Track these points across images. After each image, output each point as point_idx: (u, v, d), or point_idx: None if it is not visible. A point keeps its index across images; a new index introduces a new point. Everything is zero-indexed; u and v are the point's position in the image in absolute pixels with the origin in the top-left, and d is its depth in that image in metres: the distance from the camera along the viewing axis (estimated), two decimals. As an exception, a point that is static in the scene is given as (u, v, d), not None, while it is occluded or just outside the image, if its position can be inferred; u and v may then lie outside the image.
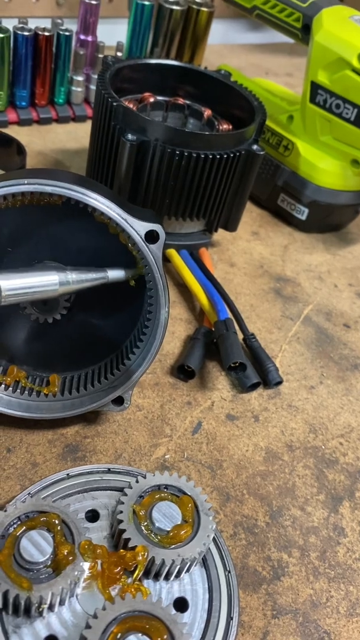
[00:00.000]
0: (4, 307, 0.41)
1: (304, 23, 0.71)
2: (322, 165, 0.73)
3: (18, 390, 0.48)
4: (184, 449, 0.50)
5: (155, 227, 0.42)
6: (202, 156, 0.58)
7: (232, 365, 0.52)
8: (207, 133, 0.58)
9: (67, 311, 0.47)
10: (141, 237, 0.42)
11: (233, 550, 0.44)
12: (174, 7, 0.88)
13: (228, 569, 0.40)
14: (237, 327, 0.59)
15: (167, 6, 0.87)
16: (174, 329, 0.60)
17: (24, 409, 0.47)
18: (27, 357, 0.50)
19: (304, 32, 0.72)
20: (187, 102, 0.71)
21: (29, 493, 0.41)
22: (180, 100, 0.70)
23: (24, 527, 0.36)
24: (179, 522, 0.38)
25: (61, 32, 0.78)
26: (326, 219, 0.77)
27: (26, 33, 0.75)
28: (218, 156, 0.59)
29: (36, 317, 0.47)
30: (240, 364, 0.52)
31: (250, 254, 0.73)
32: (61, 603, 0.35)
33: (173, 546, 0.37)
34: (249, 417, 0.54)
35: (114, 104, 0.58)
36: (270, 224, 0.78)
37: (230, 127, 0.68)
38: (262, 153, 0.62)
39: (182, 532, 0.38)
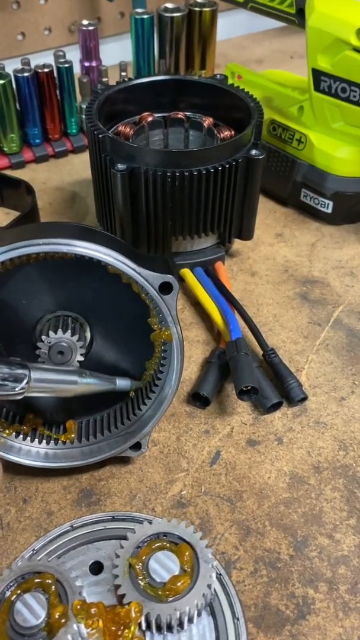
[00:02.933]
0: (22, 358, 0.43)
1: (298, 7, 0.66)
2: (339, 154, 0.68)
3: (36, 439, 0.48)
4: (202, 483, 0.48)
5: (168, 278, 0.41)
6: (195, 173, 0.56)
7: (244, 389, 0.50)
8: (195, 149, 0.56)
9: (80, 361, 0.47)
10: (155, 289, 0.41)
11: (254, 589, 0.42)
12: (174, 14, 0.86)
13: (237, 616, 0.38)
14: (256, 344, 0.57)
15: (167, 15, 0.86)
16: (191, 353, 0.58)
17: (42, 458, 0.48)
18: (44, 405, 0.50)
19: (299, 17, 0.67)
20: (188, 113, 0.69)
21: (34, 549, 0.41)
22: (180, 114, 0.68)
23: (19, 590, 0.36)
24: (177, 573, 0.37)
25: (60, 66, 0.78)
26: (354, 208, 0.72)
27: (26, 74, 0.76)
28: (212, 170, 0.57)
29: None
30: (252, 387, 0.50)
31: (273, 259, 0.69)
32: (60, 665, 0.35)
33: (171, 599, 0.36)
34: (271, 440, 0.51)
35: (100, 135, 0.58)
36: (296, 222, 0.75)
37: (232, 132, 0.65)
38: (261, 157, 0.59)
39: (179, 583, 0.36)
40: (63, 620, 0.35)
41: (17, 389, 0.38)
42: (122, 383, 0.46)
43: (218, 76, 0.68)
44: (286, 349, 0.59)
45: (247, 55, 1.14)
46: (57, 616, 0.35)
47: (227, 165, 0.57)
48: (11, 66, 0.80)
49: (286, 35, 1.21)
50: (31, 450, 0.48)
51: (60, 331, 0.44)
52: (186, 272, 0.64)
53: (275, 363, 0.55)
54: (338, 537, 0.45)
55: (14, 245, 0.39)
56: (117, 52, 1.07)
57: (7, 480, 0.48)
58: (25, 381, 0.39)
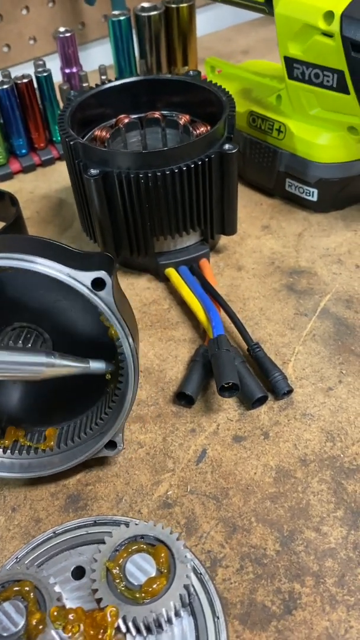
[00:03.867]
0: None
1: (266, -4, 0.66)
2: (319, 141, 0.67)
3: (17, 451, 0.49)
4: (188, 482, 0.48)
5: (100, 274, 0.41)
6: (168, 172, 0.56)
7: (225, 386, 0.50)
8: (164, 149, 0.56)
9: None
10: (88, 287, 0.41)
11: (239, 586, 0.42)
12: (151, 13, 0.85)
13: (217, 615, 0.38)
14: (241, 339, 0.57)
15: (144, 14, 0.85)
16: (177, 352, 0.58)
17: (25, 469, 0.48)
18: (24, 415, 0.51)
19: (268, 5, 0.66)
20: (165, 112, 0.69)
21: (17, 557, 0.41)
22: (156, 114, 0.68)
23: (-1, 599, 0.37)
24: (153, 575, 0.37)
25: (39, 75, 0.79)
26: (340, 194, 0.70)
27: (5, 86, 0.77)
28: (185, 168, 0.57)
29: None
30: (233, 384, 0.50)
31: (260, 251, 0.69)
32: (41, 671, 0.35)
33: (147, 601, 0.36)
34: (257, 435, 0.51)
35: (71, 142, 0.58)
36: (283, 213, 0.74)
37: (208, 128, 0.65)
38: (234, 151, 0.58)
39: (155, 584, 0.36)
40: (41, 627, 0.35)
41: None
42: (95, 365, 0.45)
43: (191, 72, 0.67)
44: (272, 342, 0.58)
45: (233, 47, 1.13)
46: (34, 623, 0.35)
47: (200, 162, 0.57)
48: (-3, 78, 0.81)
49: (272, 24, 1.19)
50: (13, 463, 0.49)
51: (11, 344, 0.44)
52: (171, 272, 0.64)
53: (259, 357, 0.55)
54: (325, 530, 0.45)
55: None
56: (102, 55, 1.08)
57: (-4, 490, 0.49)
58: None
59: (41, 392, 0.50)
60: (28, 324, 0.46)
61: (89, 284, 0.41)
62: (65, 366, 0.44)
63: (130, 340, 0.43)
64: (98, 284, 0.41)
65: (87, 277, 0.41)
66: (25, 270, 0.40)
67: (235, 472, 0.49)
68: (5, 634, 0.35)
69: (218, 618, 0.38)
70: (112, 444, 0.47)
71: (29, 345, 0.45)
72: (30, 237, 0.44)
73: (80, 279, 0.41)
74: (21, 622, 0.35)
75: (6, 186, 0.81)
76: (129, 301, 0.52)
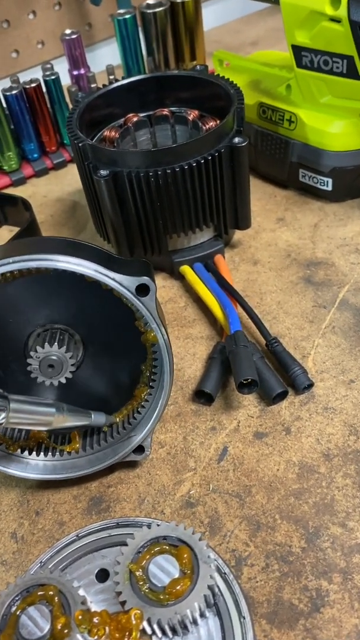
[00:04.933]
0: (25, 380, 0.44)
1: (271, -16, 0.64)
2: (331, 129, 0.66)
3: (42, 453, 0.49)
4: (210, 481, 0.48)
5: (144, 280, 0.41)
6: (178, 169, 0.56)
7: (244, 382, 0.49)
8: (173, 146, 0.56)
9: (75, 372, 0.47)
10: (132, 292, 0.41)
11: (266, 584, 0.41)
12: (157, 10, 0.85)
13: (243, 615, 0.37)
14: (259, 334, 0.56)
15: (149, 11, 0.85)
16: (195, 350, 0.58)
17: (50, 470, 0.49)
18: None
19: (274, -6, 0.65)
20: (174, 109, 0.68)
21: (41, 561, 0.42)
22: (165, 111, 0.68)
23: (25, 604, 0.37)
24: (177, 576, 0.37)
25: (47, 78, 0.79)
26: (355, 182, 0.69)
27: (14, 92, 0.77)
28: (195, 164, 0.56)
29: (49, 382, 0.47)
30: (252, 380, 0.49)
31: (275, 245, 0.68)
32: (69, 675, 0.35)
33: (171, 602, 0.36)
34: (279, 430, 0.50)
35: (80, 144, 0.58)
36: (298, 204, 0.73)
37: (217, 122, 0.64)
38: (244, 144, 0.57)
39: (179, 586, 0.36)
40: (66, 631, 0.35)
41: None
42: (97, 419, 0.47)
43: (198, 67, 0.67)
44: (291, 336, 0.58)
45: (242, 38, 1.12)
46: (59, 627, 0.35)
47: (210, 157, 0.56)
48: (8, 84, 0.81)
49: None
50: (38, 464, 0.49)
51: (47, 345, 0.44)
52: (186, 269, 0.63)
53: (278, 352, 0.54)
54: (351, 525, 0.44)
55: None
56: (110, 55, 1.07)
57: (19, 494, 0.49)
58: (3, 413, 0.38)
59: (67, 395, 0.50)
60: (62, 326, 0.46)
61: (133, 289, 0.41)
62: (70, 419, 0.45)
63: (170, 347, 0.43)
64: (142, 290, 0.41)
65: (132, 282, 0.41)
66: (71, 272, 0.40)
67: (258, 469, 0.48)
68: (31, 639, 0.35)
69: (244, 618, 0.37)
70: (140, 449, 0.47)
71: (64, 346, 0.45)
72: (70, 239, 0.44)
73: (126, 284, 0.41)
74: (46, 627, 0.35)
75: (20, 191, 0.81)
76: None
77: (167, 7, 0.85)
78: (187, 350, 0.58)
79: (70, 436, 0.49)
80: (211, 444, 0.50)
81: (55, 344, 0.45)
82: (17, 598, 0.37)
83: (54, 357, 0.45)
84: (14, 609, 0.37)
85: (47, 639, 0.35)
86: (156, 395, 0.47)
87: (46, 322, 0.47)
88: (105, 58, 1.07)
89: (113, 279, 0.41)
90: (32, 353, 0.45)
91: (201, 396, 0.53)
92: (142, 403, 0.47)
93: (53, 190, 0.83)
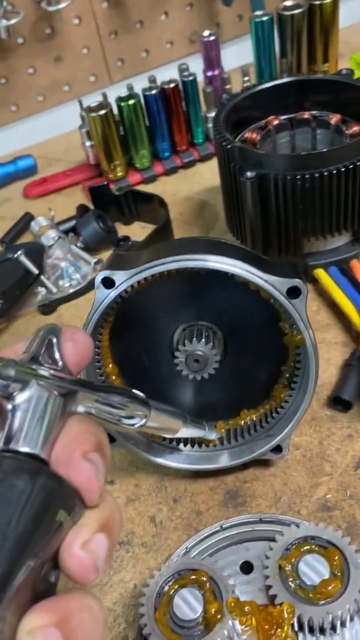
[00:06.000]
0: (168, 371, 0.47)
1: None
2: None
3: (182, 443, 0.51)
4: (347, 487, 0.48)
5: (296, 282, 0.42)
6: (326, 174, 0.56)
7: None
8: (323, 151, 0.56)
9: (217, 368, 0.49)
10: (283, 294, 0.42)
11: None
12: (295, 12, 0.85)
13: (392, 624, 0.37)
14: None
15: (287, 13, 0.85)
16: (329, 355, 0.58)
17: (190, 461, 0.50)
18: (193, 410, 0.53)
19: None
20: (314, 112, 0.68)
21: (187, 547, 0.43)
22: (306, 114, 0.68)
23: (177, 586, 0.39)
24: (327, 577, 0.37)
25: (185, 79, 0.81)
26: None
27: (154, 91, 0.80)
28: (343, 169, 0.56)
29: (192, 376, 0.49)
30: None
31: None
32: (219, 658, 0.37)
33: (322, 602, 0.37)
34: None
35: (228, 146, 0.59)
36: None
37: (361, 127, 0.64)
38: (395, 150, 0.57)
39: (330, 587, 0.37)
40: (219, 616, 0.37)
41: (135, 426, 0.34)
42: (210, 433, 0.48)
43: (344, 71, 0.66)
44: None
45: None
46: (213, 612, 0.37)
47: (359, 163, 0.56)
48: (136, 82, 0.84)
49: None
50: (180, 454, 0.51)
51: (195, 340, 0.46)
52: (320, 273, 0.63)
53: None
54: None
55: (147, 265, 0.42)
56: (237, 55, 1.08)
57: (157, 480, 0.52)
58: (144, 420, 0.35)
59: (204, 390, 0.52)
60: (206, 323, 0.48)
61: (284, 291, 0.42)
62: (190, 431, 0.45)
63: (317, 352, 0.44)
64: (293, 292, 0.42)
65: (284, 284, 0.42)
66: (224, 273, 0.42)
67: None
68: (185, 619, 0.37)
69: (393, 627, 0.37)
70: (278, 449, 0.48)
71: (210, 343, 0.46)
72: (224, 241, 0.46)
73: (278, 286, 0.42)
74: (200, 609, 0.37)
75: (150, 188, 0.84)
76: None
77: (305, 9, 0.85)
78: (321, 355, 0.57)
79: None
80: (348, 450, 0.50)
81: (203, 340, 0.47)
82: (170, 579, 0.39)
83: (199, 353, 0.47)
84: (166, 589, 0.39)
85: (200, 622, 0.37)
86: (297, 397, 0.47)
87: (192, 319, 0.49)
88: (233, 57, 1.08)
89: (266, 281, 0.42)
90: (180, 347, 0.47)
91: (338, 402, 0.53)
92: (282, 404, 0.48)
93: (182, 188, 0.85)
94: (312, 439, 0.52)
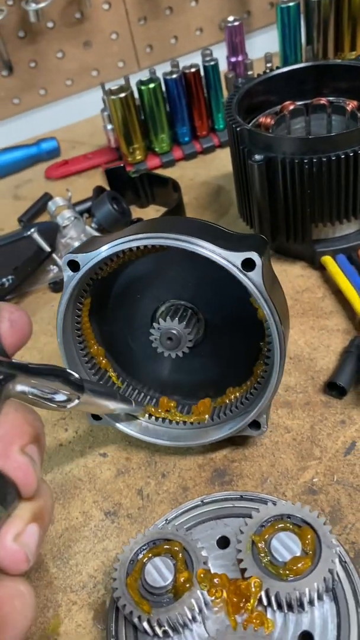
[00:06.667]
0: (146, 346, 0.48)
1: None
2: None
3: (160, 419, 0.52)
4: (334, 472, 0.48)
5: (250, 254, 0.41)
6: (334, 158, 0.55)
7: (381, 379, 0.48)
8: (332, 134, 0.55)
9: (193, 349, 0.49)
10: (238, 267, 0.42)
11: (384, 583, 0.41)
12: (322, -3, 0.84)
13: (361, 605, 0.37)
14: None
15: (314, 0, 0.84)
16: (329, 342, 0.58)
17: (173, 438, 0.51)
18: (181, 390, 0.53)
19: None
20: (331, 98, 0.68)
21: (167, 519, 0.44)
22: (322, 100, 0.67)
23: (151, 554, 0.39)
24: (298, 554, 0.37)
25: (206, 64, 0.81)
26: None
27: (174, 75, 0.80)
28: (352, 154, 0.55)
29: (167, 353, 0.50)
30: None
31: None
32: (185, 626, 0.37)
33: (291, 578, 0.37)
34: None
35: (237, 128, 0.59)
36: None
37: (377, 113, 0.63)
38: None
39: (300, 564, 0.37)
40: (188, 585, 0.37)
41: (68, 407, 0.35)
42: (138, 409, 0.50)
43: (362, 56, 0.65)
44: None
45: None
46: (182, 580, 0.37)
47: (368, 148, 0.55)
48: (165, 69, 0.85)
49: None
50: (164, 430, 0.51)
51: (168, 319, 0.47)
52: (327, 260, 0.63)
53: None
54: None
55: (107, 245, 0.43)
56: (267, 43, 1.07)
57: (148, 455, 0.52)
58: (73, 403, 0.35)
59: (187, 368, 0.52)
60: (186, 303, 0.48)
61: (239, 264, 0.42)
62: (120, 409, 0.47)
63: (278, 323, 0.43)
64: (248, 265, 0.41)
65: (238, 257, 0.41)
66: (182, 249, 0.42)
67: (386, 468, 0.47)
68: (155, 586, 0.37)
69: (362, 609, 0.37)
70: (256, 424, 0.48)
71: (184, 322, 0.47)
72: (189, 218, 0.46)
73: (231, 259, 0.42)
74: (170, 578, 0.38)
75: (169, 172, 0.85)
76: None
77: (333, -5, 0.84)
78: (322, 342, 0.58)
79: (193, 408, 0.51)
80: (339, 436, 0.50)
81: (176, 319, 0.47)
82: (144, 547, 0.40)
83: (173, 332, 0.47)
84: (140, 556, 0.40)
85: (169, 589, 0.38)
86: (270, 372, 0.47)
87: (170, 298, 0.49)
88: (263, 45, 1.07)
89: (219, 255, 0.41)
90: (154, 324, 0.48)
91: (333, 388, 0.53)
92: (259, 380, 0.47)
93: (200, 174, 0.85)
94: (305, 423, 0.52)
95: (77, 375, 0.35)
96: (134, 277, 0.49)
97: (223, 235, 0.44)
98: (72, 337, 0.48)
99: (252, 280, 0.42)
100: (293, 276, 0.66)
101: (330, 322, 0.60)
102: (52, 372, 0.33)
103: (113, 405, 0.45)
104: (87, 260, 0.43)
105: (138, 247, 0.43)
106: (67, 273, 0.44)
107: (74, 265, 0.44)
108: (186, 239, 0.42)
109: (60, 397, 0.33)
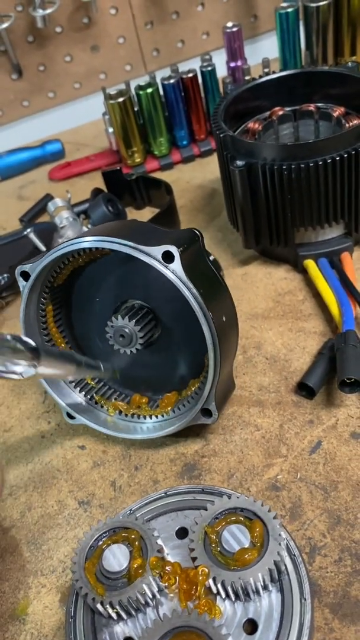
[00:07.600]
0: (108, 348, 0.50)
1: None
2: None
3: (123, 414, 0.54)
4: (298, 470, 0.49)
5: (169, 247, 0.44)
6: (312, 165, 0.57)
7: (346, 380, 0.50)
8: (310, 141, 0.57)
9: (149, 345, 0.52)
10: (159, 261, 0.44)
11: (335, 577, 0.42)
12: (320, 3, 0.85)
13: (305, 596, 0.39)
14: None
15: (313, 5, 0.85)
16: (306, 344, 0.59)
17: (143, 431, 0.53)
18: (153, 385, 0.55)
19: None
20: (320, 105, 0.69)
21: (131, 509, 0.46)
22: (311, 106, 0.68)
23: (110, 541, 0.42)
24: (246, 546, 0.39)
25: (204, 69, 0.83)
26: None
27: (172, 80, 0.82)
28: (330, 160, 0.57)
29: (123, 350, 0.51)
30: (355, 380, 0.49)
31: None
32: (139, 610, 0.40)
33: (238, 568, 0.38)
34: (377, 434, 0.50)
35: (221, 135, 0.61)
36: None
37: (362, 120, 0.64)
38: (384, 144, 0.57)
39: (247, 555, 0.39)
40: (140, 571, 0.39)
41: (24, 375, 0.37)
42: (106, 372, 0.53)
43: (349, 63, 0.67)
44: None
45: None
46: (135, 567, 0.39)
47: (346, 155, 0.57)
48: (167, 74, 0.87)
49: None
50: (138, 425, 0.54)
51: (120, 317, 0.49)
52: (309, 263, 0.64)
53: (389, 357, 0.53)
54: None
55: (47, 254, 0.47)
56: (273, 47, 1.08)
57: (123, 449, 0.55)
58: (33, 370, 0.37)
59: (142, 365, 0.54)
60: (138, 301, 0.51)
61: (159, 257, 0.44)
62: (84, 373, 0.50)
63: (204, 307, 0.44)
64: (168, 257, 0.44)
65: (158, 251, 0.44)
66: (110, 249, 0.45)
67: (348, 468, 0.49)
68: (110, 570, 0.40)
69: (305, 599, 0.39)
70: (207, 412, 0.50)
71: (134, 320, 0.49)
72: (133, 221, 0.49)
73: (153, 254, 0.44)
74: (125, 564, 0.40)
75: (166, 175, 0.87)
76: (263, 290, 0.53)
77: (330, 1, 0.85)
78: (298, 343, 0.59)
79: (159, 402, 0.54)
80: (306, 435, 0.52)
81: (127, 317, 0.49)
82: (104, 535, 0.42)
83: (125, 329, 0.49)
84: (100, 543, 0.42)
85: (124, 575, 0.40)
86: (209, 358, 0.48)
87: (126, 298, 0.52)
88: (267, 50, 1.08)
89: (140, 250, 0.44)
90: (108, 322, 0.50)
91: (303, 389, 0.54)
92: (206, 369, 0.49)
93: (196, 177, 0.87)
94: (274, 422, 0.53)
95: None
96: (94, 280, 0.52)
97: (155, 233, 0.47)
98: (42, 343, 0.52)
99: (173, 272, 0.44)
100: (277, 279, 0.67)
101: (308, 325, 0.61)
102: (4, 340, 0.35)
103: (75, 369, 0.47)
104: (34, 269, 0.46)
105: (84, 251, 0.46)
106: (22, 283, 0.47)
107: (25, 275, 0.47)
108: (112, 240, 0.44)
109: (18, 366, 0.35)
